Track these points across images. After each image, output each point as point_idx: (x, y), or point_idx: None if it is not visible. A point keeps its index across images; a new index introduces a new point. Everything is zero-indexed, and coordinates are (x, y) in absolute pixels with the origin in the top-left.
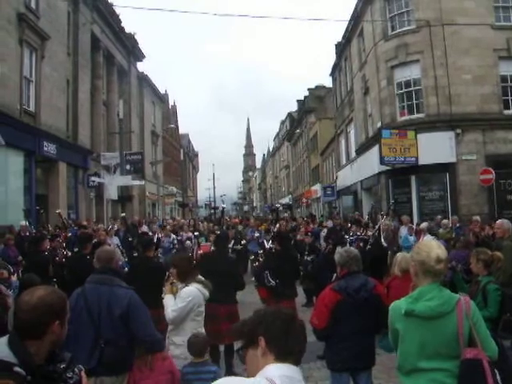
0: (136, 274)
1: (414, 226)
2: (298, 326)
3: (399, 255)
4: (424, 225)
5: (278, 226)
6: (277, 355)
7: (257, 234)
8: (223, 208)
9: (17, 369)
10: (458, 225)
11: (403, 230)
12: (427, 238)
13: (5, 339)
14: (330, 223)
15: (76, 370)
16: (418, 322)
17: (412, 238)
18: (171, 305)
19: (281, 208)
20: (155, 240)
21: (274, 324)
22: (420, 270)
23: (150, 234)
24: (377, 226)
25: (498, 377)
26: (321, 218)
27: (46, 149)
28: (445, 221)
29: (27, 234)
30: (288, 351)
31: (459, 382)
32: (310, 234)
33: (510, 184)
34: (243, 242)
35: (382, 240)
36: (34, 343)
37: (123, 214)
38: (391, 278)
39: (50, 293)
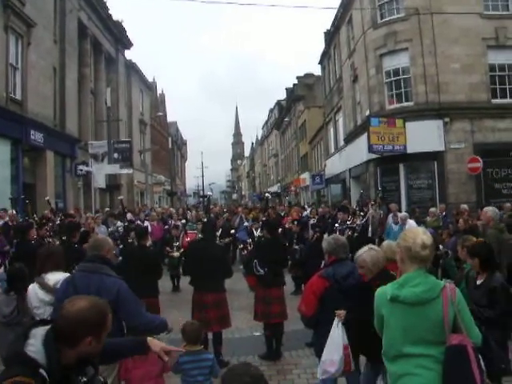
0: (131, 263)
1: (399, 214)
2: None
3: (385, 243)
4: (403, 214)
5: (267, 214)
6: None
7: (246, 224)
8: (209, 196)
9: (42, 371)
10: (444, 213)
11: (391, 218)
12: (410, 225)
13: (42, 334)
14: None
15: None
16: (403, 307)
17: (396, 227)
18: None
19: (270, 196)
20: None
21: None
22: (406, 256)
23: (138, 222)
24: (367, 216)
25: (482, 362)
26: (315, 206)
27: (33, 137)
28: (432, 209)
29: (14, 223)
30: None
31: (444, 368)
32: (296, 222)
33: (498, 172)
34: (232, 231)
35: (370, 230)
36: (65, 349)
37: (121, 197)
38: None
39: (91, 307)
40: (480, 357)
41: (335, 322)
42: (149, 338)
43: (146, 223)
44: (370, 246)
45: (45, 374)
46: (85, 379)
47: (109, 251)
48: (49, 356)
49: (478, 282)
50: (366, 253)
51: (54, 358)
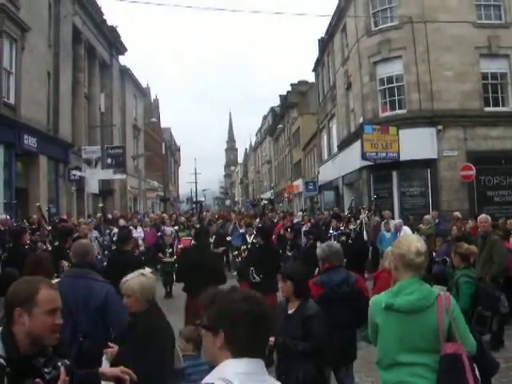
0: (113, 268)
1: (391, 222)
2: (267, 323)
3: (390, 249)
4: (397, 221)
5: (263, 220)
6: (235, 352)
7: (242, 230)
8: (201, 202)
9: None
10: (437, 220)
11: (383, 226)
12: (405, 233)
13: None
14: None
15: (59, 364)
16: (398, 316)
17: (388, 234)
18: None
19: (266, 203)
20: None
21: (238, 325)
22: (400, 264)
23: (131, 227)
24: (358, 221)
25: (477, 371)
26: (306, 213)
27: (26, 142)
28: (427, 216)
29: (7, 227)
30: (247, 349)
31: (439, 377)
32: (290, 229)
33: (490, 180)
34: (228, 238)
35: (365, 234)
36: (15, 333)
37: (101, 205)
38: (380, 269)
39: (23, 281)
40: (475, 365)
41: (104, 359)
42: (100, 368)
43: (139, 229)
44: (142, 271)
45: (2, 361)
46: (49, 369)
47: (92, 256)
48: (4, 343)
49: (290, 312)
50: (134, 279)
51: (9, 344)
